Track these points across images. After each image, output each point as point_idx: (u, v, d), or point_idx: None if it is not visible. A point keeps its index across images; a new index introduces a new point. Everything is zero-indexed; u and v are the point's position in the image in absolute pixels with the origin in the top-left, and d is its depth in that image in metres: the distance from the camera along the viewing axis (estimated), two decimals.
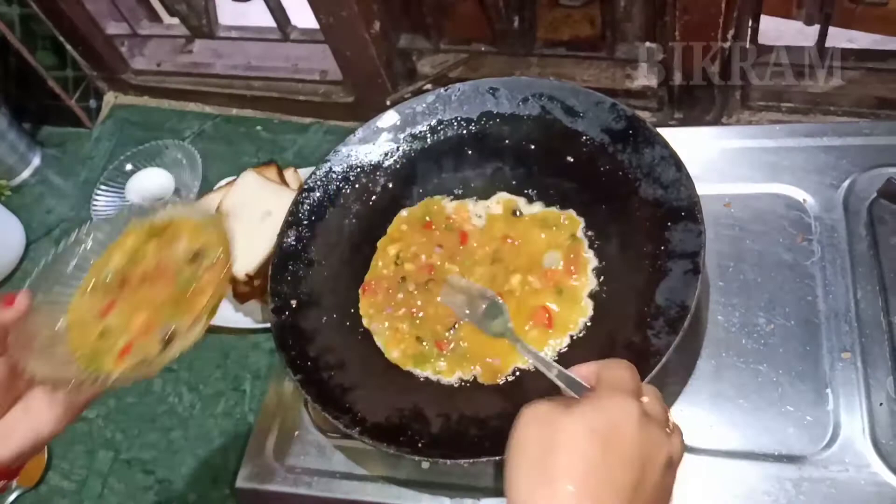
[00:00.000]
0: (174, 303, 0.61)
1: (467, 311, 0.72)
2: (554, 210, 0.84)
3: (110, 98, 1.41)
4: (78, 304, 0.63)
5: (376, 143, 0.92)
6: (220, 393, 0.98)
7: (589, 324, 0.76)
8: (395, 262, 0.85)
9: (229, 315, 1.01)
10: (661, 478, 0.47)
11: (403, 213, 0.90)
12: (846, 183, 0.81)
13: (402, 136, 0.93)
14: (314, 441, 0.81)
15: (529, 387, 0.72)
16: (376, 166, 0.92)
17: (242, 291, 0.96)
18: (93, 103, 1.39)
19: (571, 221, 0.82)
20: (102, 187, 1.19)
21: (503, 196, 0.88)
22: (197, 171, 1.17)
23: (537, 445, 0.47)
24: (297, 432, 0.83)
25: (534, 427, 0.48)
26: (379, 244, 0.88)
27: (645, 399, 0.51)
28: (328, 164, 0.91)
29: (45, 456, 0.96)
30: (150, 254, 0.64)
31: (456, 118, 0.92)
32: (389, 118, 0.93)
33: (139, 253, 0.64)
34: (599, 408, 0.48)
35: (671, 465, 0.49)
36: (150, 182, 1.19)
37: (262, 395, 0.87)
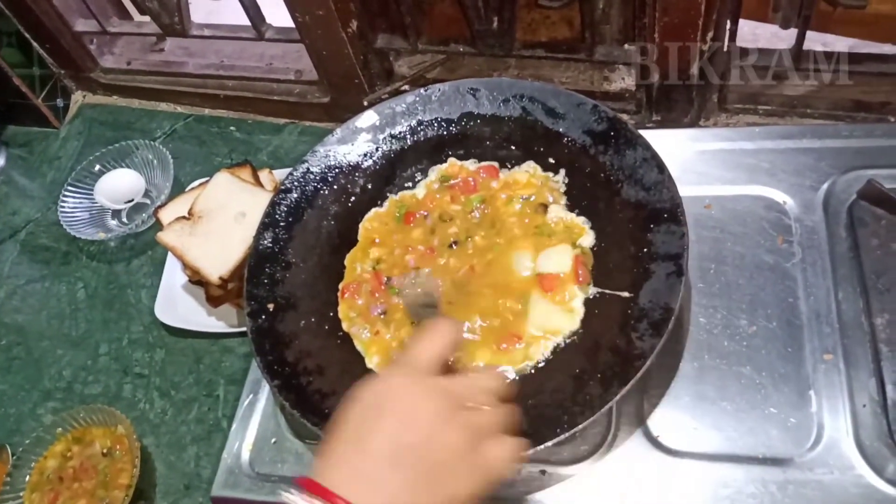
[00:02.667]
0: (103, 486, 0.89)
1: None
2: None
3: (78, 97, 1.38)
4: (29, 499, 0.90)
5: (355, 144, 0.91)
6: (193, 399, 0.96)
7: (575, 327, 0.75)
8: (374, 266, 0.83)
9: (202, 319, 0.99)
10: (454, 448, 0.50)
11: (370, 215, 0.89)
12: (826, 185, 0.81)
13: (381, 136, 0.91)
14: (291, 448, 0.80)
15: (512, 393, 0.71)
16: (355, 167, 0.91)
17: (216, 295, 0.94)
18: (60, 102, 1.35)
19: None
20: (70, 188, 1.16)
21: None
22: (168, 172, 1.14)
23: (334, 422, 0.53)
24: (273, 439, 0.81)
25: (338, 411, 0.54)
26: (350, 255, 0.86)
27: (457, 378, 0.55)
28: (306, 164, 0.89)
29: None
30: (76, 456, 0.92)
31: (436, 119, 0.91)
32: (368, 118, 0.91)
33: (67, 454, 0.93)
34: (369, 381, 0.54)
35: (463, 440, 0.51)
36: (119, 183, 1.16)
37: (237, 401, 0.85)
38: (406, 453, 0.49)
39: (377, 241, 0.85)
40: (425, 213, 0.86)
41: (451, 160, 0.89)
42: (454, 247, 0.82)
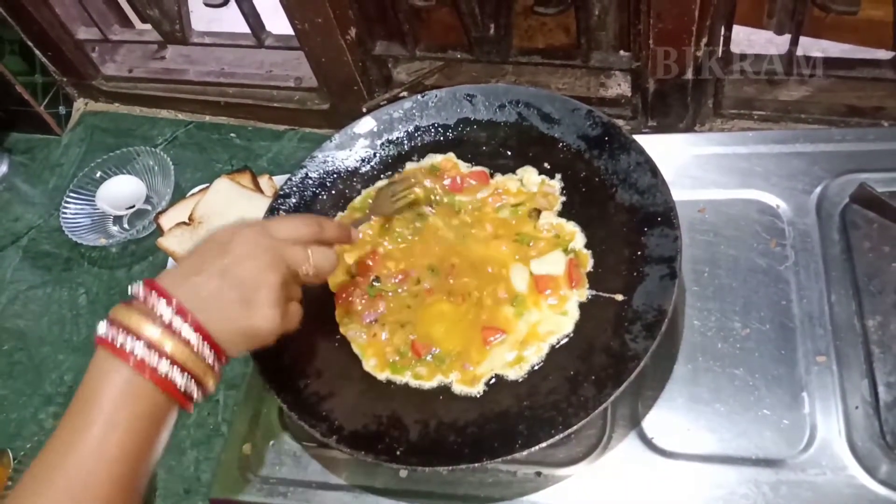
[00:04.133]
0: None
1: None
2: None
3: (80, 104, 1.39)
4: None
5: (353, 149, 0.92)
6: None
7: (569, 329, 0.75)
8: (348, 272, 0.84)
9: None
10: (247, 275, 0.62)
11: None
12: (818, 188, 0.82)
13: (379, 142, 0.92)
14: (290, 450, 0.80)
15: (507, 393, 0.72)
16: (353, 172, 0.91)
17: None
18: (62, 109, 1.36)
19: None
20: (72, 195, 1.17)
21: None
22: (169, 179, 1.15)
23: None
24: (272, 442, 0.81)
25: None
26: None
27: (294, 247, 0.66)
28: (304, 170, 0.90)
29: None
30: None
31: (433, 124, 0.92)
32: (366, 124, 0.92)
33: None
34: (231, 224, 0.66)
35: (262, 266, 0.63)
36: (121, 189, 1.17)
37: (236, 406, 0.86)
38: (229, 281, 0.61)
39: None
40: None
41: (450, 154, 0.90)
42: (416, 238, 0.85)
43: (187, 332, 0.59)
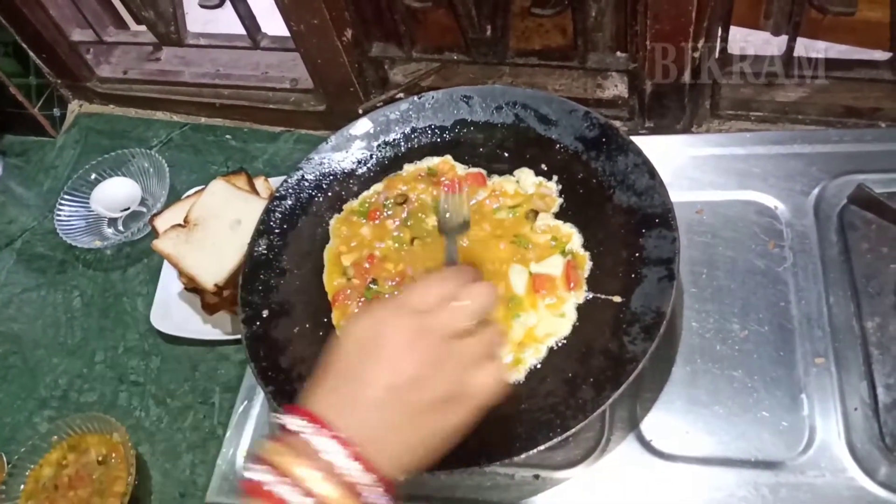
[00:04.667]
0: (99, 494, 0.89)
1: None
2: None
3: (75, 106, 1.39)
4: None
5: (349, 151, 0.91)
6: (189, 406, 0.96)
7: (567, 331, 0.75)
8: (349, 277, 0.84)
9: (198, 327, 0.99)
10: (416, 372, 0.52)
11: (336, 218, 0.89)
12: (816, 190, 0.82)
13: (375, 143, 0.92)
14: None
15: (505, 398, 0.71)
16: (349, 174, 0.91)
17: (211, 302, 0.95)
18: (56, 111, 1.35)
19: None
20: (67, 197, 1.16)
21: None
22: (164, 181, 1.15)
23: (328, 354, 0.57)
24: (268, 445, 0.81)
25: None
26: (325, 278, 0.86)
27: (438, 309, 0.55)
28: (300, 171, 0.90)
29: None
30: (71, 464, 0.92)
31: (430, 126, 0.92)
32: (363, 126, 0.92)
33: (63, 463, 0.93)
34: (364, 317, 0.56)
35: (434, 364, 0.53)
36: (115, 191, 1.17)
37: (232, 409, 0.85)
38: (394, 396, 0.51)
39: (353, 244, 0.86)
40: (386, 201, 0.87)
41: (447, 157, 0.90)
42: (415, 244, 0.83)
43: (359, 476, 0.49)
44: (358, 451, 0.49)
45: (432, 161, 0.90)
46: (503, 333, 0.58)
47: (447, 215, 0.72)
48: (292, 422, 0.51)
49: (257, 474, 0.49)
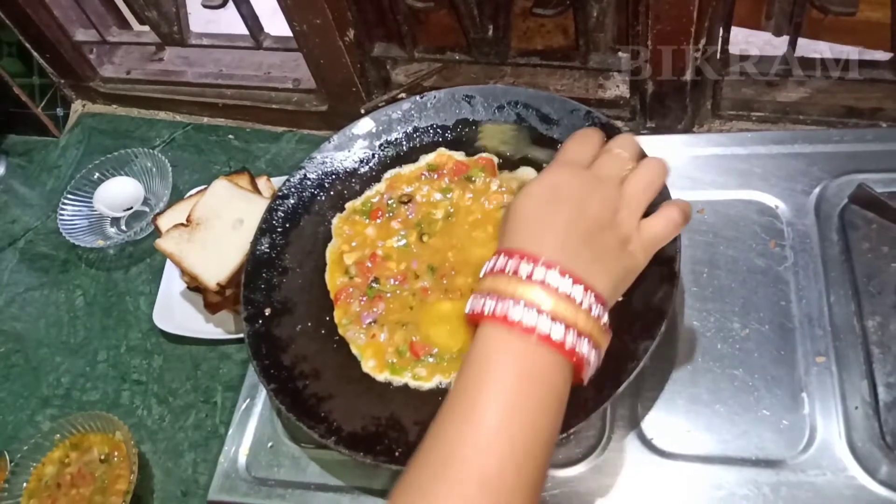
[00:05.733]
0: (101, 492, 0.89)
1: None
2: None
3: (78, 106, 1.39)
4: None
5: (351, 150, 0.92)
6: (191, 405, 0.96)
7: None
8: (351, 276, 0.84)
9: (200, 326, 0.99)
10: (599, 216, 0.56)
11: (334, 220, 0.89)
12: (817, 189, 0.82)
13: (377, 143, 0.92)
14: (288, 452, 0.80)
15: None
16: (351, 173, 0.91)
17: (213, 301, 0.95)
18: (60, 111, 1.36)
19: None
20: (70, 196, 1.17)
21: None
22: (167, 180, 1.15)
23: (505, 220, 0.60)
24: (270, 443, 0.81)
25: (506, 211, 0.60)
26: (329, 255, 0.86)
27: (599, 160, 0.60)
28: (302, 170, 0.90)
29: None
30: (74, 462, 0.93)
31: (432, 125, 0.92)
32: (365, 125, 0.92)
33: (65, 461, 0.93)
34: (539, 178, 0.60)
35: (609, 205, 0.57)
36: (118, 191, 1.17)
37: (234, 408, 0.85)
38: (583, 234, 0.55)
39: (354, 244, 0.86)
40: (390, 200, 0.88)
41: (440, 150, 0.90)
42: (424, 239, 0.84)
43: (573, 289, 0.52)
44: (572, 271, 0.53)
45: (428, 157, 0.90)
46: (665, 167, 0.61)
47: None
48: (499, 261, 0.54)
49: (482, 302, 0.53)
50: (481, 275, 0.57)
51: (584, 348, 0.53)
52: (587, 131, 0.64)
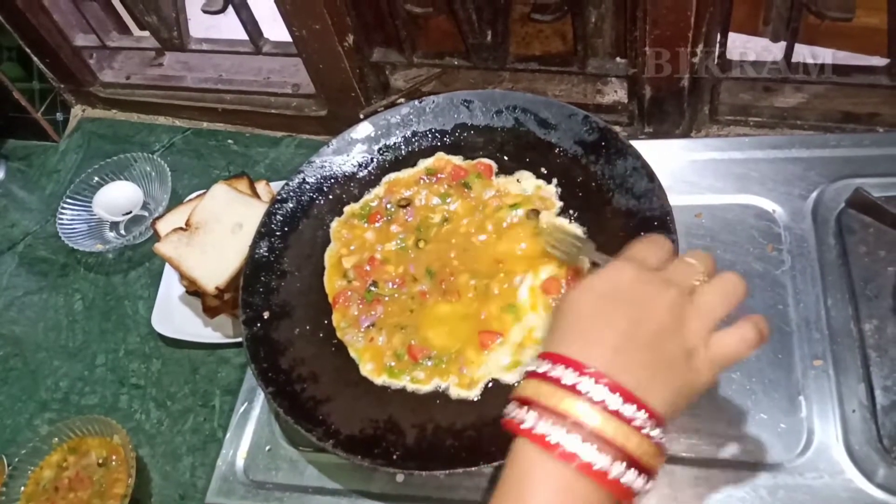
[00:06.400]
0: (99, 496, 0.89)
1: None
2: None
3: (78, 111, 1.39)
4: None
5: (350, 154, 0.92)
6: (189, 409, 0.96)
7: None
8: (349, 280, 0.84)
9: (198, 330, 0.99)
10: (664, 323, 0.50)
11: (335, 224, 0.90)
12: (814, 194, 0.82)
13: (376, 147, 0.92)
14: (286, 455, 0.80)
15: (502, 398, 0.71)
16: (350, 177, 0.92)
17: (212, 305, 0.95)
18: (59, 116, 1.36)
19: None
20: (69, 201, 1.17)
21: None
22: (166, 185, 1.15)
23: (557, 315, 0.54)
24: (268, 447, 0.81)
25: (560, 303, 0.55)
26: (328, 258, 0.87)
27: (671, 265, 0.55)
28: (301, 174, 0.91)
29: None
30: (71, 466, 0.93)
31: (430, 130, 0.92)
32: (364, 129, 0.92)
33: (63, 465, 0.93)
34: (600, 273, 0.54)
35: (676, 312, 0.51)
36: (117, 195, 1.17)
37: (232, 411, 0.85)
38: (644, 339, 0.50)
39: (352, 248, 0.86)
40: (389, 204, 0.88)
41: (439, 154, 0.90)
42: (420, 244, 0.84)
43: (623, 407, 0.47)
44: (621, 386, 0.47)
45: (427, 162, 0.90)
46: (744, 285, 0.55)
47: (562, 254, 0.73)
48: (541, 364, 0.50)
49: (519, 413, 0.49)
50: (523, 375, 0.52)
51: (630, 477, 0.47)
52: (658, 237, 0.59)
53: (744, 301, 0.54)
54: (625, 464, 0.46)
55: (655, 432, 0.48)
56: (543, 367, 0.50)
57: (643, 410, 0.47)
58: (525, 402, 0.49)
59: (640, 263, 0.54)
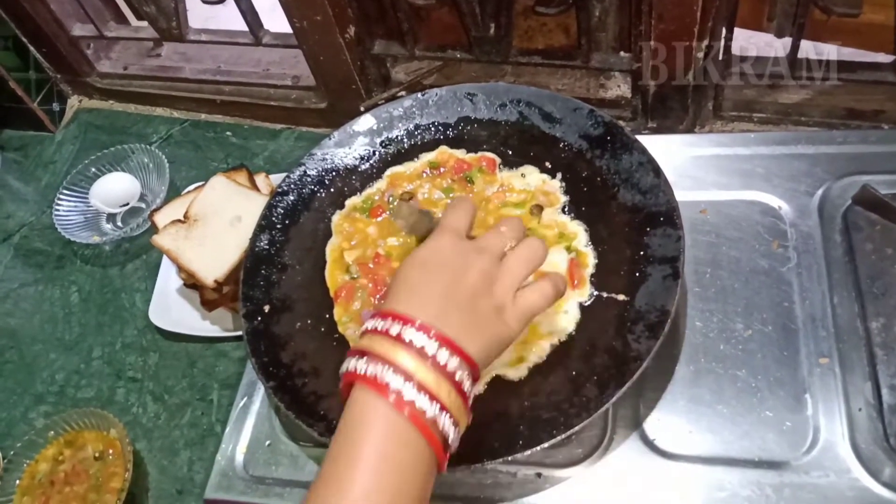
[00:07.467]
0: (95, 490, 0.88)
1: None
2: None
3: (74, 101, 1.38)
4: (19, 503, 0.90)
5: (352, 147, 0.91)
6: (187, 403, 0.95)
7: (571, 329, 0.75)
8: (347, 271, 0.83)
9: (196, 323, 0.98)
10: (476, 285, 0.58)
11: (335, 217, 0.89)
12: (821, 190, 0.82)
13: (378, 140, 0.92)
14: (286, 450, 0.79)
15: (506, 394, 0.71)
16: (352, 170, 0.91)
17: (210, 299, 0.94)
18: (56, 106, 1.35)
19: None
20: (65, 192, 1.16)
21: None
22: (164, 177, 1.14)
23: (392, 281, 0.61)
24: (268, 442, 0.80)
25: (395, 271, 0.63)
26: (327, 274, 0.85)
27: (484, 234, 0.63)
28: (303, 167, 0.90)
29: None
30: (68, 460, 0.92)
31: (433, 123, 0.91)
32: (366, 122, 0.92)
33: (59, 458, 0.92)
34: (425, 243, 0.62)
35: (486, 275, 0.59)
36: (115, 187, 1.16)
37: (230, 406, 0.85)
38: (460, 298, 0.57)
39: (353, 243, 0.85)
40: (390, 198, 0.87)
41: (442, 147, 0.89)
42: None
43: (443, 354, 0.54)
44: (444, 335, 0.54)
45: (429, 156, 0.90)
46: (545, 249, 0.63)
47: (405, 225, 0.73)
48: (375, 322, 0.56)
49: (355, 362, 0.55)
50: (360, 332, 0.58)
51: (445, 422, 0.53)
52: (460, 198, 0.72)
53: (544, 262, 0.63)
54: (438, 405, 0.52)
55: (467, 381, 0.55)
56: (376, 323, 0.56)
57: (458, 356, 0.54)
58: (361, 353, 0.55)
59: (456, 232, 0.62)
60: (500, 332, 0.59)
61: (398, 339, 0.54)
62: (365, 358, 0.54)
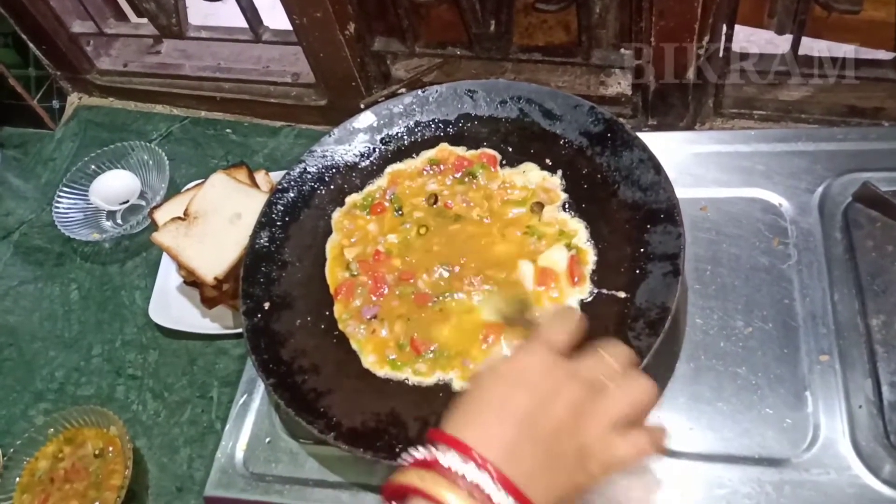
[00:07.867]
0: (95, 487, 0.88)
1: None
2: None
3: (74, 99, 1.38)
4: (19, 500, 0.90)
5: (352, 144, 0.91)
6: (186, 400, 0.95)
7: None
8: (352, 273, 0.83)
9: (196, 320, 0.98)
10: (562, 417, 0.50)
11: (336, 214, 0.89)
12: (821, 187, 0.81)
13: (378, 137, 0.91)
14: (286, 448, 0.79)
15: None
16: (352, 167, 0.91)
17: (210, 296, 0.94)
18: (56, 104, 1.35)
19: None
20: (65, 189, 1.16)
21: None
22: (164, 174, 1.14)
23: (464, 396, 0.54)
24: (268, 439, 0.80)
25: (469, 383, 0.56)
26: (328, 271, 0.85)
27: (584, 358, 0.54)
28: (303, 164, 0.89)
29: None
30: (67, 457, 0.92)
31: (433, 120, 0.91)
32: (366, 119, 0.91)
33: (59, 455, 0.92)
34: (510, 357, 0.54)
35: (577, 409, 0.51)
36: (114, 184, 1.16)
37: (230, 403, 0.85)
38: (541, 432, 0.49)
39: (353, 240, 0.85)
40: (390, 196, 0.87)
41: (442, 145, 0.89)
42: (423, 231, 0.83)
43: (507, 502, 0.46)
44: (505, 477, 0.47)
45: (429, 153, 0.90)
46: (657, 394, 0.53)
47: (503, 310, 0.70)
48: (430, 451, 0.49)
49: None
50: (407, 461, 0.50)
51: None
52: (565, 308, 0.61)
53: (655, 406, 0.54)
54: None
55: None
56: (430, 452, 0.49)
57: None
58: (406, 491, 0.48)
59: (549, 347, 0.53)
60: (577, 481, 0.50)
61: (456, 479, 0.46)
62: (415, 498, 0.47)
